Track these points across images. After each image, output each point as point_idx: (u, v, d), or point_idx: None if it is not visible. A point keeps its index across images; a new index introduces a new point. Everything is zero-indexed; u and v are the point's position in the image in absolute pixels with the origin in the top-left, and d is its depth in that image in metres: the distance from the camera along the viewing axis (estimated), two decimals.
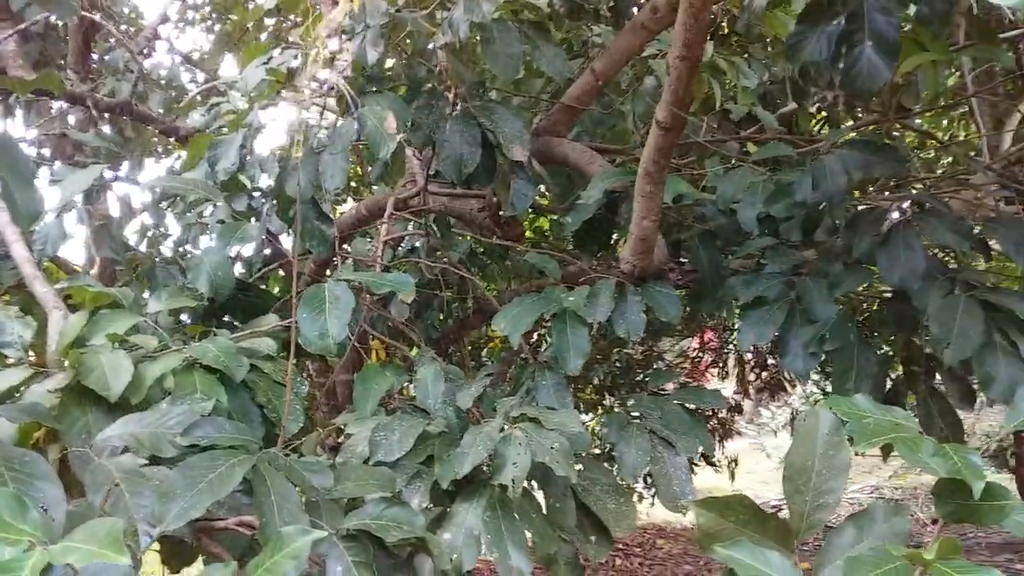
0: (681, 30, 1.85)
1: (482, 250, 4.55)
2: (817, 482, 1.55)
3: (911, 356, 2.32)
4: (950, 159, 4.05)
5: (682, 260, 2.67)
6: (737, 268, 2.53)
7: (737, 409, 7.89)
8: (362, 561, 1.68)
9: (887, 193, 2.81)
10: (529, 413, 2.12)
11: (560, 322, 2.33)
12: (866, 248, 2.16)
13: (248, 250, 2.63)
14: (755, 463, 10.82)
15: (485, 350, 6.54)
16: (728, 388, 9.32)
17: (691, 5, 1.81)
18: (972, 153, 3.27)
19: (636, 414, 2.41)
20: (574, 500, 2.28)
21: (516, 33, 2.54)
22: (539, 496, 2.24)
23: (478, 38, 2.64)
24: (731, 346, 7.73)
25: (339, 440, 2.69)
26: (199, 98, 4.72)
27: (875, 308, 2.90)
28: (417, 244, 4.28)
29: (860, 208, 2.33)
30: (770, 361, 7.82)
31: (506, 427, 2.09)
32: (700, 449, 2.34)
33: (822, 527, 1.56)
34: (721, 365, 8.09)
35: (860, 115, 4.42)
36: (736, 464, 8.19)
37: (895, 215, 2.21)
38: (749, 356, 7.87)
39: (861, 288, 2.35)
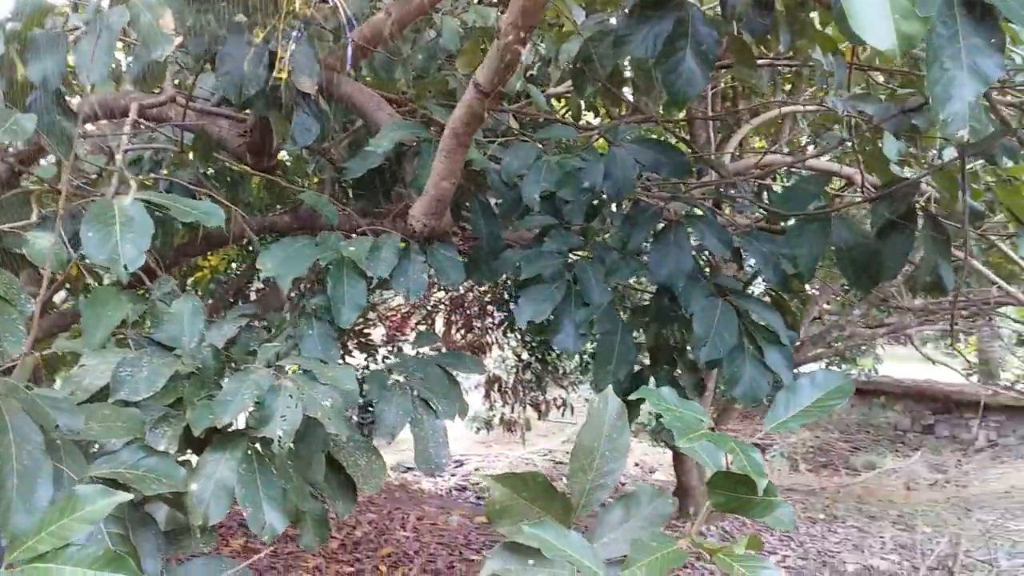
0: None
1: (212, 173, 4.24)
2: (600, 463, 1.62)
3: (659, 347, 2.51)
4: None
5: (463, 226, 2.67)
6: (511, 241, 2.57)
7: None
8: (112, 514, 1.49)
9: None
10: (303, 365, 2.00)
11: (337, 271, 2.22)
12: (641, 241, 2.29)
13: None
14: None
15: (191, 279, 6.14)
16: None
17: None
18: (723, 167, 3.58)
19: (398, 374, 2.37)
20: (324, 455, 2.21)
21: None
22: None
23: None
24: (442, 305, 7.91)
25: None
26: None
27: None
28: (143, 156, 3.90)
29: (639, 203, 2.46)
30: (475, 324, 8.12)
31: (277, 376, 1.96)
32: (456, 415, 2.36)
33: (599, 505, 1.63)
34: (429, 322, 8.25)
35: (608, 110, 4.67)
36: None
37: (671, 215, 2.37)
38: (456, 317, 8.11)
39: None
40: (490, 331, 8.00)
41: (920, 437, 11.78)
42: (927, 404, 11.82)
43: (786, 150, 5.87)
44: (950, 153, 4.37)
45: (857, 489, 9.76)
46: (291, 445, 2.11)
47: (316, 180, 4.59)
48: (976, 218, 2.63)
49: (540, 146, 2.67)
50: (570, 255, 2.37)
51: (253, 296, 6.71)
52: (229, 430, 1.97)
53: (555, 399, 8.30)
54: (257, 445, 1.96)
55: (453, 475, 8.81)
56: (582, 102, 4.38)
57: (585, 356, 8.26)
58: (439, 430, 2.29)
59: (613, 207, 2.70)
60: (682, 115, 4.71)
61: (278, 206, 4.71)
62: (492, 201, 2.60)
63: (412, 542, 6.67)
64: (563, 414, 8.38)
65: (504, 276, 4.22)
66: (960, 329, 9.14)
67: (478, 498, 8.43)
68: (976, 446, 11.05)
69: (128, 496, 1.14)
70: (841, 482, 10.18)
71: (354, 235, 2.38)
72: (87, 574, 0.99)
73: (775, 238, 2.40)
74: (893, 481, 10.13)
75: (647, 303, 2.65)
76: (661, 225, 2.34)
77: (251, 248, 5.99)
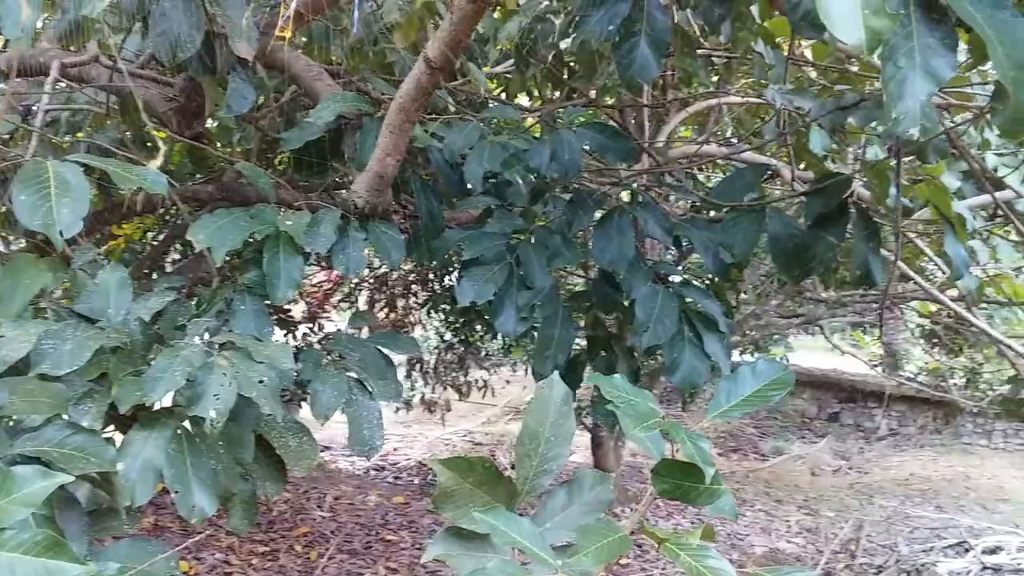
0: None
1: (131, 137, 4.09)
2: (545, 448, 1.62)
3: (595, 332, 2.51)
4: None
5: (404, 204, 2.61)
6: (452, 221, 2.53)
7: None
8: None
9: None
10: (237, 341, 1.93)
11: (273, 246, 2.15)
12: (585, 226, 2.28)
13: None
14: None
15: (104, 248, 5.90)
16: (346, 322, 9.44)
17: None
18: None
19: (333, 353, 2.32)
20: (253, 435, 2.14)
21: None
22: None
23: None
24: (366, 283, 7.80)
25: None
26: None
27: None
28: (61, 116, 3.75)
29: (584, 188, 2.45)
30: (399, 302, 8.04)
31: (209, 353, 1.88)
32: (392, 397, 2.32)
33: (543, 491, 1.63)
34: (352, 300, 8.14)
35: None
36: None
37: (613, 201, 2.37)
38: (379, 295, 8.01)
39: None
40: (413, 310, 7.93)
41: (825, 424, 12.21)
42: (833, 393, 12.25)
43: (713, 141, 5.95)
44: (874, 150, 4.49)
45: (765, 474, 10.07)
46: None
47: (240, 150, 4.46)
48: (905, 214, 2.71)
49: (483, 126, 2.63)
50: (513, 237, 2.35)
51: (169, 268, 6.50)
52: (156, 407, 1.89)
53: (476, 380, 8.29)
54: (187, 424, 1.89)
55: None
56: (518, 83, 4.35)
57: (507, 339, 8.27)
58: (374, 412, 2.24)
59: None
60: (612, 101, 4.72)
61: (197, 175, 4.56)
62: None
63: (328, 522, 6.59)
64: (484, 396, 8.38)
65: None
66: (868, 321, 9.47)
67: (396, 478, 8.39)
68: (878, 434, 11.51)
69: (69, 477, 1.07)
70: (750, 467, 10.48)
71: (287, 209, 2.30)
72: (24, 560, 0.92)
73: (714, 226, 2.42)
74: (799, 467, 10.48)
75: (583, 288, 2.66)
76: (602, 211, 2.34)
77: (168, 217, 5.78)
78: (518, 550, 1.47)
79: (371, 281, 7.78)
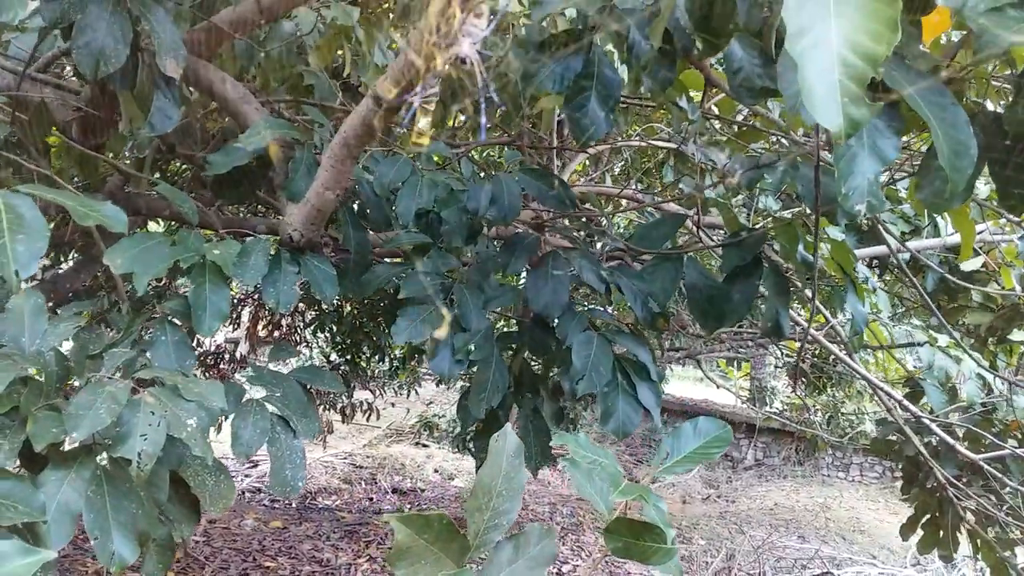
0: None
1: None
2: (497, 502, 1.61)
3: (523, 374, 2.51)
4: None
5: (333, 236, 2.55)
6: (381, 256, 2.48)
7: (242, 362, 7.72)
8: None
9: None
10: (164, 378, 1.83)
11: (199, 275, 2.05)
12: (520, 268, 2.29)
13: None
14: None
15: None
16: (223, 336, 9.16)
17: None
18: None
19: (256, 389, 2.23)
20: (168, 473, 2.03)
21: None
22: None
23: None
24: (252, 299, 7.56)
25: None
26: None
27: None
28: None
29: (518, 231, 2.46)
30: (284, 321, 7.82)
31: (136, 389, 1.77)
32: (314, 434, 2.25)
33: (493, 545, 1.61)
34: (234, 317, 7.86)
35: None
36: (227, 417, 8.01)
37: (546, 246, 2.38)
38: (264, 312, 7.77)
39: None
40: (299, 329, 7.73)
41: None
42: None
43: (608, 182, 6.10)
44: (767, 202, 4.70)
45: None
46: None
47: (129, 159, 4.27)
48: (809, 269, 2.83)
49: (414, 161, 2.60)
50: (447, 277, 2.33)
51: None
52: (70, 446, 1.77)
53: (361, 403, 8.14)
54: (105, 463, 1.77)
55: (247, 476, 8.42)
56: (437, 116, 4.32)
57: (395, 361, 8.17)
58: (297, 450, 2.17)
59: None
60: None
61: (75, 178, 4.35)
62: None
63: (202, 547, 6.32)
64: (368, 418, 8.24)
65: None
66: (741, 356, 9.87)
67: (272, 501, 8.13)
68: (745, 464, 11.97)
69: (52, 554, 0.98)
70: None
71: (213, 234, 2.21)
72: None
73: (638, 274, 2.47)
74: (671, 494, 10.77)
75: (510, 330, 2.66)
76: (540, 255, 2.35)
77: None
78: None
79: (255, 298, 7.54)
